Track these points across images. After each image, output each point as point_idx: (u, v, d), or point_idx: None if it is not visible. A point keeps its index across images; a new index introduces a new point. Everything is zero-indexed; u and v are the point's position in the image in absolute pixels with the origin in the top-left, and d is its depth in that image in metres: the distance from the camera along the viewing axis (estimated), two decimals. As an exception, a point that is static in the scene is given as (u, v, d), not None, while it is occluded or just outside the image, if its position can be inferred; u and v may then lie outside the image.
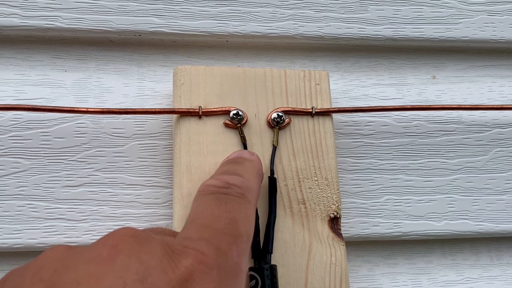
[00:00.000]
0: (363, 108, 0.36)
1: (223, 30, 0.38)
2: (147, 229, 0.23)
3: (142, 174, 0.35)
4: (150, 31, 0.37)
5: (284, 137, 0.34)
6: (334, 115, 0.36)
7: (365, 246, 0.38)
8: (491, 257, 0.40)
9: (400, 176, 0.38)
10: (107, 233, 0.21)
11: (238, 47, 0.40)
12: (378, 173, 0.38)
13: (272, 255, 0.30)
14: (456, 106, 0.37)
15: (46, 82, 0.36)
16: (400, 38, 0.40)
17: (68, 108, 0.32)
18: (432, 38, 0.41)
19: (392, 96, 0.40)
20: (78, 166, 0.34)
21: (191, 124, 0.33)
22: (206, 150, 0.33)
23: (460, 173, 0.39)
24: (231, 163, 0.30)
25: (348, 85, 0.40)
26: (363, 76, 0.41)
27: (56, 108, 0.32)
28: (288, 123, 0.34)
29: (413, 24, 0.41)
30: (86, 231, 0.34)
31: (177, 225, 0.31)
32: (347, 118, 0.39)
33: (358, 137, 0.38)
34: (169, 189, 0.35)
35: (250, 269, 0.29)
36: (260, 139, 0.34)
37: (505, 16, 0.42)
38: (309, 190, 0.33)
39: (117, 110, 0.33)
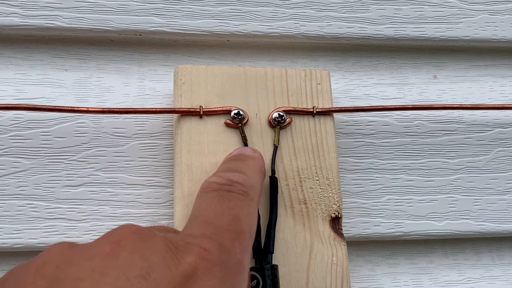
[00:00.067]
0: (364, 107, 0.36)
1: (224, 30, 0.38)
2: (149, 227, 0.23)
3: (142, 173, 0.35)
4: (151, 31, 0.37)
5: (285, 137, 0.34)
6: (335, 115, 0.36)
7: (366, 246, 0.38)
8: (493, 257, 0.40)
9: (401, 176, 0.38)
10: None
11: (239, 47, 0.40)
12: (379, 172, 0.38)
13: (273, 255, 0.30)
14: (457, 105, 0.37)
15: (46, 81, 0.36)
16: (401, 37, 0.40)
17: (69, 108, 0.32)
18: (433, 38, 0.41)
19: (393, 96, 0.40)
20: (78, 165, 0.34)
21: (192, 123, 0.33)
22: (207, 149, 0.32)
23: (461, 173, 0.39)
24: (234, 160, 0.30)
25: (349, 85, 0.40)
26: (364, 75, 0.41)
27: (56, 107, 0.32)
28: (289, 123, 0.34)
29: (414, 24, 0.40)
30: (86, 231, 0.33)
31: (178, 225, 0.31)
32: (348, 118, 0.38)
33: (359, 136, 0.38)
34: (170, 189, 0.35)
35: (251, 269, 0.29)
36: (261, 139, 0.34)
37: (507, 16, 0.42)
38: (310, 190, 0.33)
39: (118, 109, 0.33)
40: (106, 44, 0.38)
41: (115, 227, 0.34)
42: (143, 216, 0.34)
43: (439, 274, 0.39)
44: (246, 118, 0.33)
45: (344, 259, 0.32)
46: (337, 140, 0.37)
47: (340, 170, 0.37)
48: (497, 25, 0.41)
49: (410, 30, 0.40)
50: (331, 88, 0.36)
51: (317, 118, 0.35)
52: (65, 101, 0.36)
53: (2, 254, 0.34)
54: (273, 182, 0.32)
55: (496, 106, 0.38)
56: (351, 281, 0.37)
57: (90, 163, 0.34)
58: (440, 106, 0.37)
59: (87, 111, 0.32)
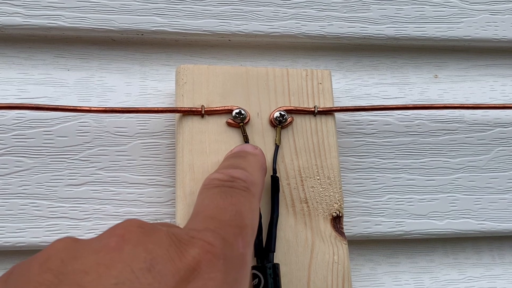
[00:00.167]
0: (365, 107, 0.36)
1: (225, 29, 0.38)
2: (152, 223, 0.23)
3: (144, 173, 0.35)
4: (153, 30, 0.37)
5: (287, 136, 0.34)
6: (336, 114, 0.36)
7: (367, 245, 0.38)
8: (493, 256, 0.40)
9: (402, 175, 0.38)
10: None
11: (240, 46, 0.40)
12: (380, 172, 0.38)
13: (274, 253, 0.30)
14: (458, 105, 0.37)
15: (48, 81, 0.37)
16: (402, 37, 0.40)
17: (71, 107, 0.32)
18: (434, 37, 0.41)
19: (394, 95, 0.40)
20: (80, 165, 0.34)
21: (193, 123, 0.33)
22: (209, 149, 0.33)
23: (462, 172, 0.39)
24: (235, 157, 0.30)
25: (350, 84, 0.40)
26: (365, 75, 0.41)
27: (58, 107, 0.32)
28: (291, 122, 0.34)
29: (415, 23, 0.41)
30: (88, 230, 0.34)
31: (180, 224, 0.31)
32: (349, 117, 0.39)
33: (360, 136, 0.38)
34: (172, 188, 0.35)
35: (253, 267, 0.29)
36: (262, 138, 0.34)
37: (507, 15, 0.42)
38: (311, 189, 0.33)
39: (120, 109, 0.33)
40: (108, 44, 0.38)
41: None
42: (145, 215, 0.34)
43: (440, 273, 0.39)
44: (248, 118, 0.34)
45: (345, 258, 0.32)
46: (338, 140, 0.37)
47: (341, 169, 0.37)
48: (497, 25, 0.42)
49: (411, 30, 0.40)
50: (332, 88, 0.36)
51: (318, 117, 0.35)
52: (68, 100, 0.36)
53: (5, 252, 0.34)
54: (275, 181, 0.32)
55: (497, 105, 0.38)
56: (352, 280, 0.37)
57: (92, 162, 0.35)
58: (441, 105, 0.37)
59: (89, 111, 0.32)
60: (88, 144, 0.35)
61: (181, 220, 0.31)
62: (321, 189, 0.33)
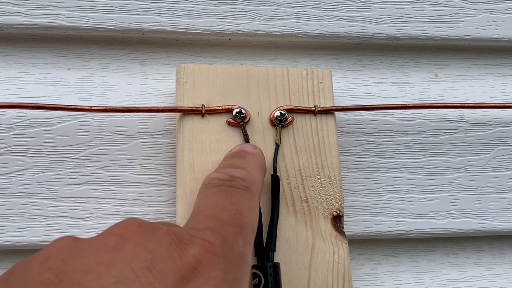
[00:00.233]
0: (366, 106, 0.36)
1: (225, 29, 0.38)
2: (153, 222, 0.23)
3: (145, 172, 0.35)
4: (153, 30, 0.37)
5: (287, 136, 0.34)
6: (337, 114, 0.36)
7: (367, 244, 0.38)
8: (494, 256, 0.40)
9: (403, 174, 0.38)
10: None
11: (240, 46, 0.40)
12: (380, 171, 0.38)
13: (275, 253, 0.30)
14: (458, 104, 0.37)
15: (49, 80, 0.37)
16: (402, 36, 0.40)
17: (71, 106, 0.32)
18: (435, 37, 0.41)
19: (394, 95, 0.40)
20: (81, 164, 0.34)
21: (194, 122, 0.33)
22: (209, 148, 0.33)
23: (462, 172, 0.39)
24: (235, 156, 0.30)
25: (350, 84, 0.40)
26: (366, 74, 0.41)
27: (59, 106, 0.32)
28: (291, 122, 0.34)
29: (416, 23, 0.41)
30: (89, 229, 0.34)
31: (180, 223, 0.31)
32: (350, 117, 0.39)
33: (361, 135, 0.38)
34: (172, 187, 0.35)
35: (253, 267, 0.29)
36: (263, 137, 0.34)
37: (508, 15, 0.42)
38: (312, 188, 0.33)
39: (120, 108, 0.33)
40: (108, 43, 0.38)
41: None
42: (145, 214, 0.34)
43: (440, 272, 0.39)
44: (248, 117, 0.34)
45: (345, 258, 0.32)
46: (339, 139, 0.37)
47: (342, 168, 0.37)
48: (498, 24, 0.42)
49: (412, 29, 0.40)
50: (332, 87, 0.36)
51: (318, 116, 0.35)
52: (68, 99, 0.36)
53: (5, 252, 0.34)
54: (275, 181, 0.32)
55: (497, 105, 0.38)
56: (353, 279, 0.37)
57: (92, 162, 0.35)
58: (441, 105, 0.37)
59: (89, 110, 0.32)
60: (88, 143, 0.35)
61: (181, 219, 0.31)
62: (321, 188, 0.33)
